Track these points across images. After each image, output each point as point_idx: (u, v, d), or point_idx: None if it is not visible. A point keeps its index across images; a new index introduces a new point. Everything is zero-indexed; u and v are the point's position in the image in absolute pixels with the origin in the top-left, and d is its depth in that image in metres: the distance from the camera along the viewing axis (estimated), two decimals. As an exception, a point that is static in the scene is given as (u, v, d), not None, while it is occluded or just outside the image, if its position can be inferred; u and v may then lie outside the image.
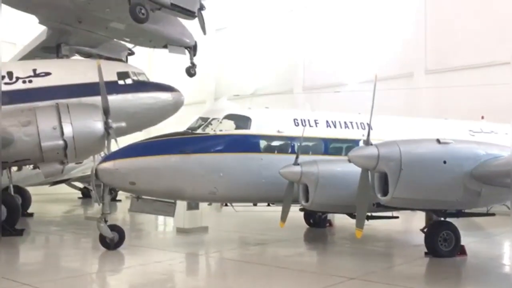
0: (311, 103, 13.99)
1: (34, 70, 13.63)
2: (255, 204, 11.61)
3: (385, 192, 7.96)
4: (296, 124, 11.29)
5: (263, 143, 10.90)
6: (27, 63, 14.71)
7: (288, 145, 11.13)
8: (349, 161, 8.15)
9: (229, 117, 10.86)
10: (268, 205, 11.72)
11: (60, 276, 7.88)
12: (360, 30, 25.31)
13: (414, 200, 8.05)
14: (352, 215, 10.48)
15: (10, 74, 13.36)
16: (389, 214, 10.57)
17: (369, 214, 9.50)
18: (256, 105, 13.28)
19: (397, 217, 11.21)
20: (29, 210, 18.49)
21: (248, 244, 11.52)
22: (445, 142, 7.99)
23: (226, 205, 11.73)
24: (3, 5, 15.23)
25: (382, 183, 7.98)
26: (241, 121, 10.81)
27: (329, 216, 14.26)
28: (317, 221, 14.07)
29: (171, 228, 14.71)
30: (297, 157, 10.08)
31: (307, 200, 10.00)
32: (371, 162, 7.83)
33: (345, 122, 11.93)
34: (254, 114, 11.02)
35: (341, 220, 14.46)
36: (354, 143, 11.13)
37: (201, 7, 15.84)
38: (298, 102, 24.74)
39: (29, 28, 18.68)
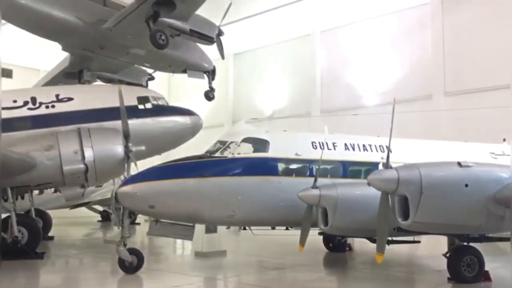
0: (329, 125, 13.92)
1: (57, 96, 13.98)
2: (273, 228, 11.53)
3: (405, 216, 7.83)
4: (314, 147, 11.25)
5: (281, 166, 10.88)
6: (50, 89, 15.12)
7: (306, 168, 11.08)
8: (369, 184, 8.07)
9: (247, 140, 10.89)
10: (287, 228, 11.62)
11: (79, 300, 7.91)
12: (377, 52, 25.37)
13: (436, 224, 7.90)
14: (372, 239, 10.31)
15: (33, 100, 13.72)
16: (410, 238, 10.37)
17: (389, 238, 9.33)
18: (274, 128, 13.32)
19: (418, 242, 10.99)
20: (50, 233, 18.67)
21: (266, 268, 11.41)
22: (467, 165, 7.87)
23: (244, 228, 11.66)
24: (27, 33, 15.73)
25: (403, 207, 7.86)
26: (259, 144, 10.83)
27: (349, 240, 14.06)
28: (336, 245, 13.87)
29: (189, 251, 14.68)
30: (315, 180, 10.01)
31: (326, 224, 9.89)
32: (391, 186, 7.74)
33: (363, 145, 11.85)
34: (272, 137, 11.04)
35: (361, 244, 14.23)
36: (373, 166, 11.02)
37: (220, 33, 16.14)
38: (316, 125, 24.74)
39: (52, 55, 19.24)
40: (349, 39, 26.81)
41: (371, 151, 11.79)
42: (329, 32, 27.82)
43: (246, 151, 10.69)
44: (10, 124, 13.01)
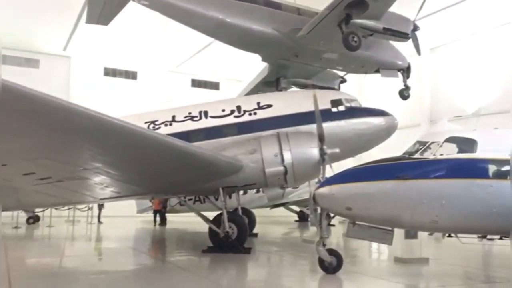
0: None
1: (258, 103, 15.10)
2: (484, 237, 10.36)
3: None
4: (535, 146, 9.73)
5: (492, 168, 9.66)
6: (252, 98, 16.42)
7: (524, 171, 9.66)
8: None
9: (450, 140, 10.00)
10: (501, 238, 10.30)
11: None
12: None
13: None
14: None
15: (238, 108, 15.08)
16: None
17: None
18: (482, 126, 11.98)
19: None
20: (254, 231, 20.25)
21: (474, 280, 10.30)
22: None
23: (449, 235, 10.75)
24: (229, 49, 17.40)
25: None
26: (465, 144, 9.84)
27: None
28: None
29: (385, 256, 14.24)
30: (536, 185, 8.66)
31: (552, 235, 8.46)
32: None
33: None
34: (480, 136, 9.92)
35: None
36: None
37: (415, 28, 15.36)
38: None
39: (253, 66, 20.92)
40: None
41: None
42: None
43: (450, 152, 9.83)
44: (220, 131, 14.60)
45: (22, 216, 26.37)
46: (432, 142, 9.95)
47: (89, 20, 15.26)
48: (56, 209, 25.30)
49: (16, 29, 30.97)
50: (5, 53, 34.36)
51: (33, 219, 26.87)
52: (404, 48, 17.06)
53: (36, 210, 26.23)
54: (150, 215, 29.43)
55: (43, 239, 19.82)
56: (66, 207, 25.84)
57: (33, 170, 10.42)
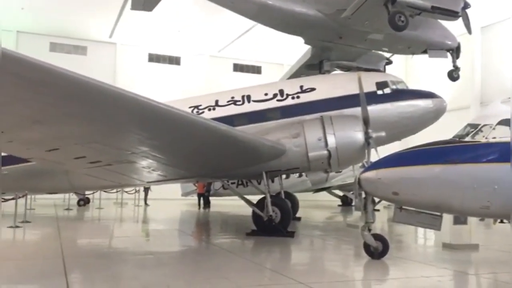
0: None
1: (301, 87, 14.97)
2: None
3: None
4: None
5: (549, 152, 9.21)
6: (295, 81, 16.29)
7: None
8: None
9: (504, 122, 9.55)
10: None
11: (327, 279, 8.29)
12: None
13: None
14: None
15: (281, 92, 15.00)
16: None
17: None
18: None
19: None
20: (297, 215, 20.25)
21: (528, 268, 9.92)
22: None
23: (501, 221, 10.37)
24: (271, 33, 17.20)
25: None
26: (520, 126, 9.40)
27: None
28: None
29: (432, 242, 13.93)
30: None
31: None
32: None
33: None
34: (536, 118, 9.45)
35: None
36: None
37: (466, 5, 14.69)
38: None
39: (294, 49, 20.71)
40: None
41: None
42: None
43: (503, 135, 9.41)
44: (263, 115, 14.59)
45: (73, 198, 27.54)
46: (484, 125, 9.57)
47: (134, 6, 15.51)
48: (105, 191, 26.30)
49: (64, 18, 32.00)
50: (54, 41, 35.69)
51: (84, 201, 27.98)
52: (454, 27, 16.38)
53: (86, 192, 27.30)
54: (194, 198, 30.04)
55: (93, 221, 20.61)
56: (114, 190, 26.76)
57: (84, 154, 10.80)
